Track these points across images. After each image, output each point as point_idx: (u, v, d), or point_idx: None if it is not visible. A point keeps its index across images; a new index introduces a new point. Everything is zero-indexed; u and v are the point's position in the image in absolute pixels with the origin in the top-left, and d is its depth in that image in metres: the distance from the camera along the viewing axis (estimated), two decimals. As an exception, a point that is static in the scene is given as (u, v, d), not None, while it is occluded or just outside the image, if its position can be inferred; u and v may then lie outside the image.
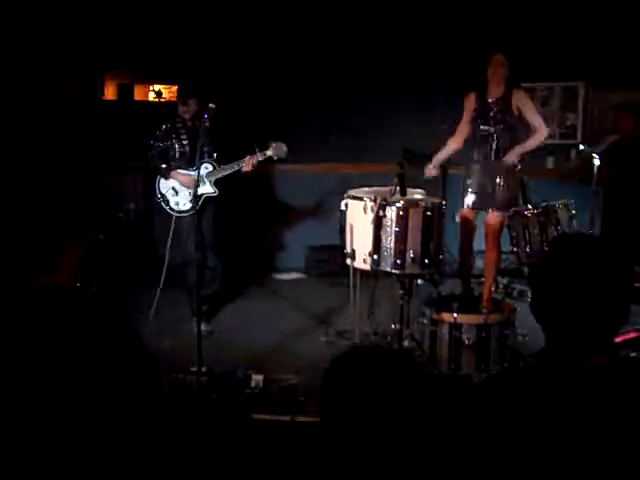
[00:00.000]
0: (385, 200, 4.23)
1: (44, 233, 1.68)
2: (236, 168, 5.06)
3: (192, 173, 4.97)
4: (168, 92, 6.84)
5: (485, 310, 4.50)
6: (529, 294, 5.98)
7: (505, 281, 6.01)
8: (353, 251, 4.41)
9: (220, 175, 5.13)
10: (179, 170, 5.18)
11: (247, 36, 6.58)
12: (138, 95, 7.23)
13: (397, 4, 6.48)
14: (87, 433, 1.52)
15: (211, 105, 4.32)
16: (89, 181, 6.20)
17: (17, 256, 1.69)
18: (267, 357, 4.58)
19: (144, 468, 1.57)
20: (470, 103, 4.78)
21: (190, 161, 5.10)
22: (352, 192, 4.53)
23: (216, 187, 5.16)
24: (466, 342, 4.33)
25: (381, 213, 4.22)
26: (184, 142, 5.18)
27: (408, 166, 4.34)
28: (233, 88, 6.58)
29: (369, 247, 4.28)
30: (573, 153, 6.52)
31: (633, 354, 3.48)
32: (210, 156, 5.16)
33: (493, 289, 4.89)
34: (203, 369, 3.98)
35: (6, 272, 1.68)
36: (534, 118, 4.68)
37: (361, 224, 4.34)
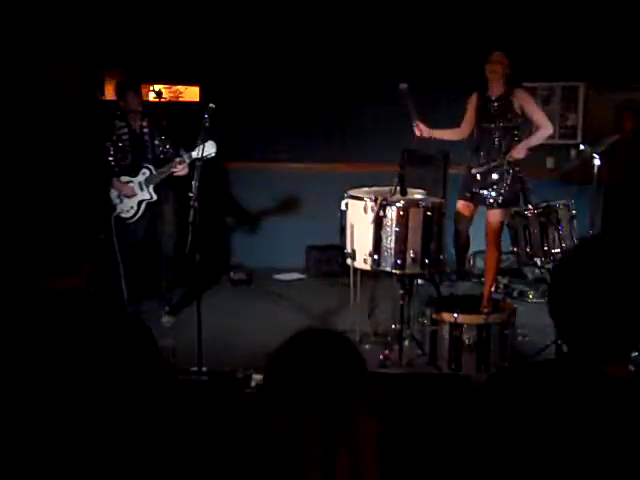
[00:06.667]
0: (385, 200, 4.23)
1: (62, 233, 1.65)
2: (167, 172, 5.06)
3: (133, 179, 5.13)
4: (168, 92, 6.83)
5: (485, 310, 4.50)
6: (529, 294, 6.01)
7: (505, 281, 6.01)
8: (353, 251, 4.41)
9: (158, 180, 5.13)
10: (121, 177, 5.18)
11: (248, 36, 6.57)
12: (138, 95, 7.21)
13: (398, 3, 6.48)
14: (105, 429, 1.53)
15: (211, 105, 4.30)
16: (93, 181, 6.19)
17: (32, 256, 1.67)
18: (267, 357, 4.56)
19: (155, 461, 1.57)
20: (472, 102, 4.82)
21: (130, 168, 5.15)
22: (352, 192, 4.53)
23: (155, 193, 5.16)
24: (466, 342, 4.33)
25: (381, 213, 4.22)
26: (127, 148, 5.16)
27: (408, 166, 4.34)
28: (233, 88, 6.58)
29: (369, 247, 4.28)
30: (573, 153, 6.52)
31: (635, 353, 3.47)
32: (170, 156, 5.14)
33: (493, 289, 4.89)
34: (203, 369, 3.98)
35: (21, 272, 1.66)
36: (537, 114, 4.70)
37: (361, 224, 4.34)
